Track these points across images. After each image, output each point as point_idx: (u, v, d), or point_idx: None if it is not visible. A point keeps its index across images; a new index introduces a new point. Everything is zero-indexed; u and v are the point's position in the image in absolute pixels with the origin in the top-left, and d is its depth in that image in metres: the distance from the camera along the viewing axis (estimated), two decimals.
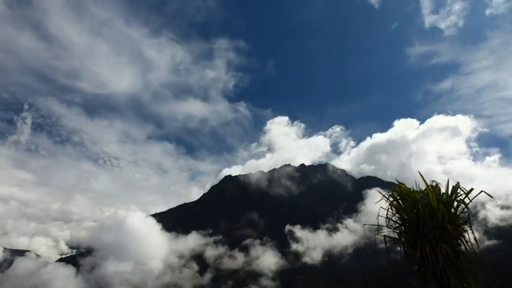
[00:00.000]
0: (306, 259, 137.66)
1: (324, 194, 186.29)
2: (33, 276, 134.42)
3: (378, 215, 6.30)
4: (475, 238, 5.55)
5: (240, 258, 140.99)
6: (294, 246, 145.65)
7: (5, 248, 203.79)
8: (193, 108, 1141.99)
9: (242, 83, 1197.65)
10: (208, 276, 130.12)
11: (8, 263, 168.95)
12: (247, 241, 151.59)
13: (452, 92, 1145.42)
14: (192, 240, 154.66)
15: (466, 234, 5.62)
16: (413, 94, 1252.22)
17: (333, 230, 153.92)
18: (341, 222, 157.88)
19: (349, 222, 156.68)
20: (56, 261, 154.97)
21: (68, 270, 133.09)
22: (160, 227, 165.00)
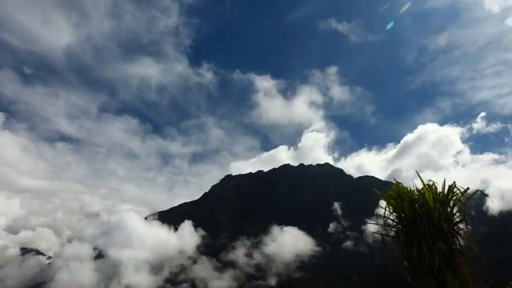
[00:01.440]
0: (306, 256, 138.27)
1: (323, 194, 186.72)
2: (43, 270, 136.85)
3: (376, 214, 6.38)
4: (471, 236, 5.63)
5: (241, 255, 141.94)
6: (295, 244, 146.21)
7: (21, 248, 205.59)
8: (147, 70, 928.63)
9: (200, 36, 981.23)
10: (211, 271, 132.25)
11: (19, 259, 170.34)
12: (249, 239, 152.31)
13: (450, 52, 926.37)
14: (195, 237, 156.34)
15: (462, 233, 5.70)
16: (403, 56, 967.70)
17: (330, 227, 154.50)
18: (339, 220, 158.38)
19: (347, 220, 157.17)
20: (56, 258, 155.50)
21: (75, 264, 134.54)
22: (163, 225, 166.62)
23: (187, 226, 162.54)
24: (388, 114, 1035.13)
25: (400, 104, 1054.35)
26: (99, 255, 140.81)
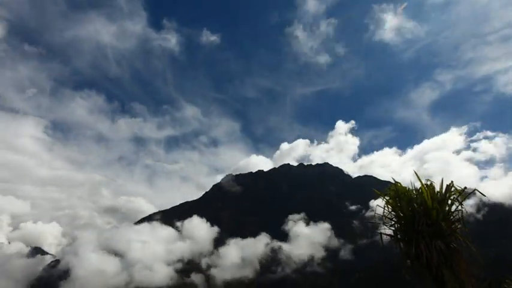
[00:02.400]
0: (306, 254, 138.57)
1: (322, 193, 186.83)
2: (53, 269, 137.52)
3: (375, 213, 6.46)
4: (468, 235, 5.71)
5: (242, 254, 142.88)
6: (294, 242, 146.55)
7: (29, 247, 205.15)
8: (100, 30, 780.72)
9: None
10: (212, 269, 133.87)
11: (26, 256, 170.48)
12: (249, 238, 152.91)
13: (448, 10, 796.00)
14: (198, 235, 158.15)
15: (459, 231, 5.78)
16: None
17: (330, 226, 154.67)
18: (339, 219, 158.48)
19: (347, 219, 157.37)
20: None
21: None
22: (167, 224, 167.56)
23: (191, 224, 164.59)
24: (380, 90, 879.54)
25: (393, 77, 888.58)
26: (110, 252, 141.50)
